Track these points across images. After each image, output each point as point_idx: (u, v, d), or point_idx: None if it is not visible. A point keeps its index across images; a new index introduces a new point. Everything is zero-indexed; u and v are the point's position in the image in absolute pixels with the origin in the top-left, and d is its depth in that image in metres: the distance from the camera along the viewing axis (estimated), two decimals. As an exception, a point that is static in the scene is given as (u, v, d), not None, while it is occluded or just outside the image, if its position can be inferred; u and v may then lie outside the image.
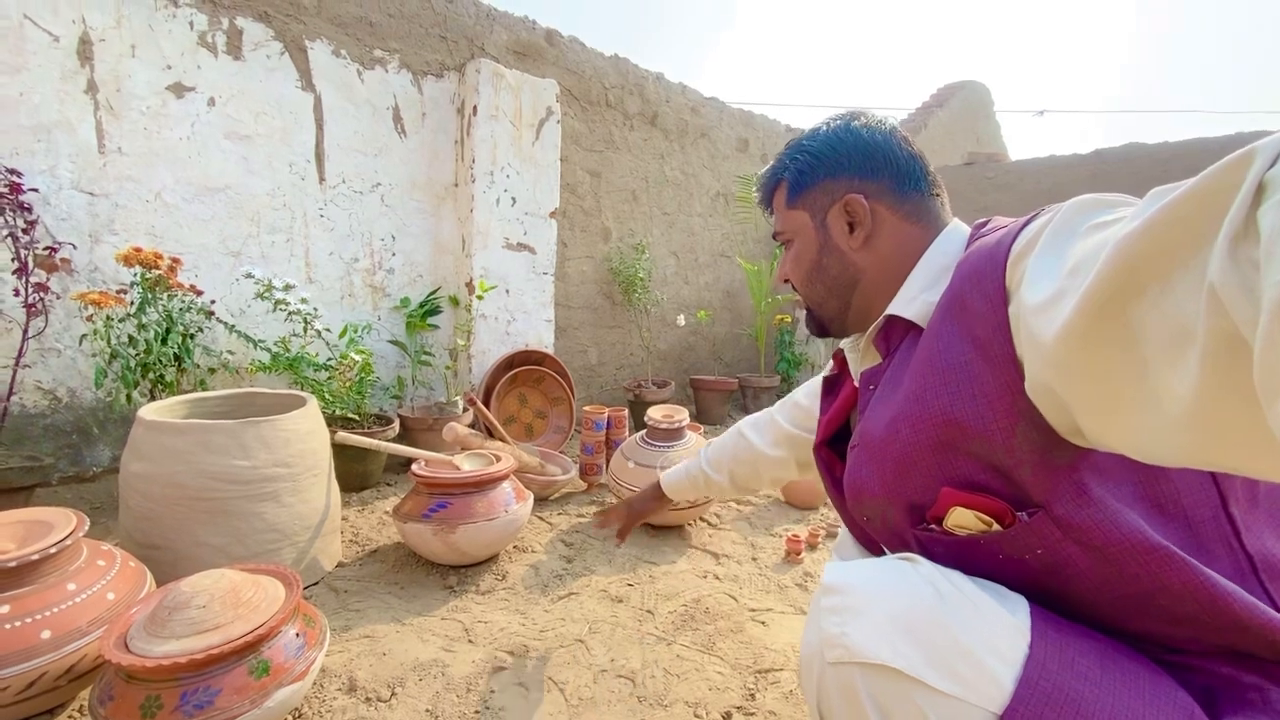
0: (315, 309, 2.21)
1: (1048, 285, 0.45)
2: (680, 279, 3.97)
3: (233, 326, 2.10)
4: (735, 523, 1.99)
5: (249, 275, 2.11)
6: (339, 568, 1.58)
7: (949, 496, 0.57)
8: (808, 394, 1.07)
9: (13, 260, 1.71)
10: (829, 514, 2.12)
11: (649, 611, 1.41)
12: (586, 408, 2.28)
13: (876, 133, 0.73)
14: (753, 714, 1.09)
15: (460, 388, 2.76)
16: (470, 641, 1.27)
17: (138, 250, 1.77)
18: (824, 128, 0.76)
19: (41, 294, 1.75)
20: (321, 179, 2.43)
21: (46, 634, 0.94)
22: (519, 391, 2.77)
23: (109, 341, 1.75)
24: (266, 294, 2.09)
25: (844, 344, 0.82)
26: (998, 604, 0.53)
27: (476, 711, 1.06)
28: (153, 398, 1.81)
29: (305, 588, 1.45)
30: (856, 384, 0.75)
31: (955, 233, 0.70)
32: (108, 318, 1.75)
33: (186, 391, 1.87)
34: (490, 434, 2.18)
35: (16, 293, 1.72)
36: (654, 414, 2.00)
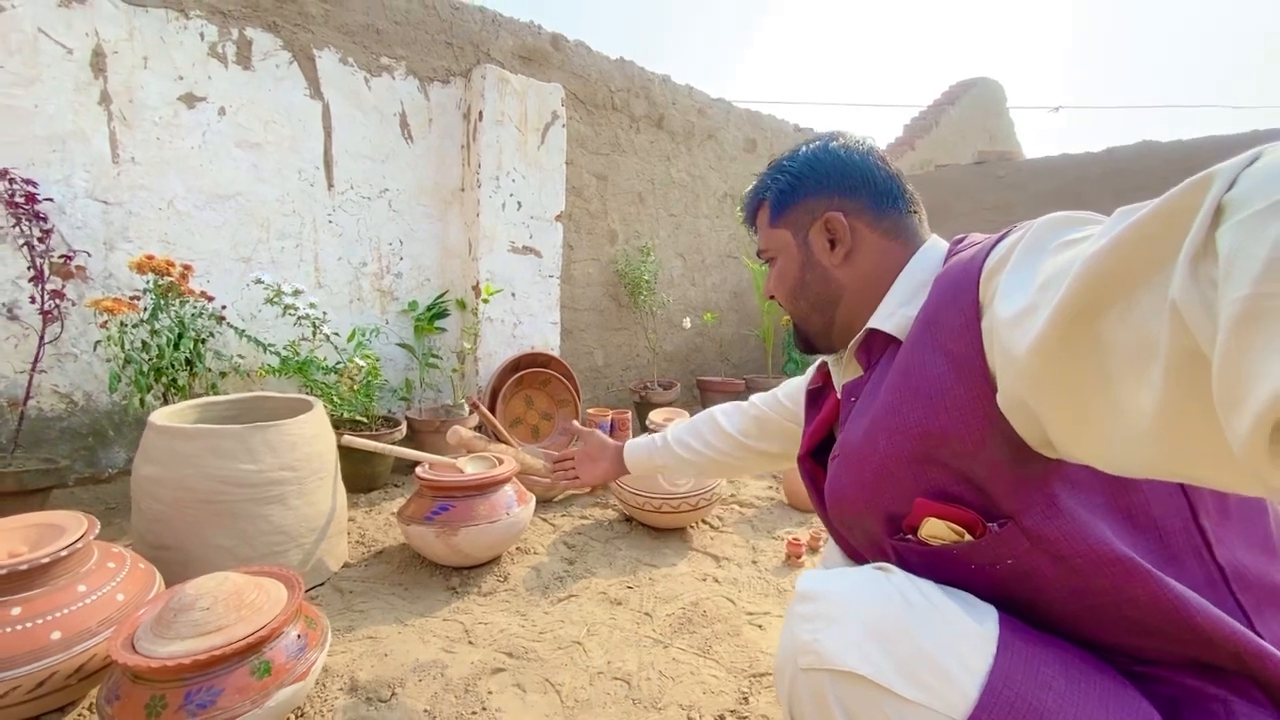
0: (324, 313, 2.25)
1: (1020, 299, 0.46)
2: (687, 280, 3.98)
3: (243, 331, 2.15)
4: (737, 525, 2.00)
5: (258, 281, 2.15)
6: (345, 568, 1.61)
7: (923, 507, 0.58)
8: (787, 393, 1.08)
9: (29, 268, 1.76)
10: (832, 517, 2.11)
11: (647, 614, 1.43)
12: (590, 410, 2.30)
13: (854, 153, 0.75)
14: (745, 717, 1.09)
15: (467, 390, 2.79)
16: (470, 643, 1.29)
17: (150, 258, 1.81)
18: (804, 148, 0.78)
19: (58, 301, 1.80)
20: (330, 185, 2.47)
21: (57, 635, 0.97)
22: (525, 394, 2.80)
23: (123, 347, 1.80)
24: (275, 299, 2.13)
25: (827, 357, 0.83)
26: (966, 614, 0.54)
27: (474, 712, 1.08)
28: (165, 401, 1.85)
29: (311, 588, 1.48)
30: (839, 396, 0.76)
31: (933, 249, 0.71)
32: (121, 324, 1.80)
33: (198, 395, 1.91)
34: (495, 437, 2.20)
35: (33, 300, 1.77)
36: (655, 418, 2.01)
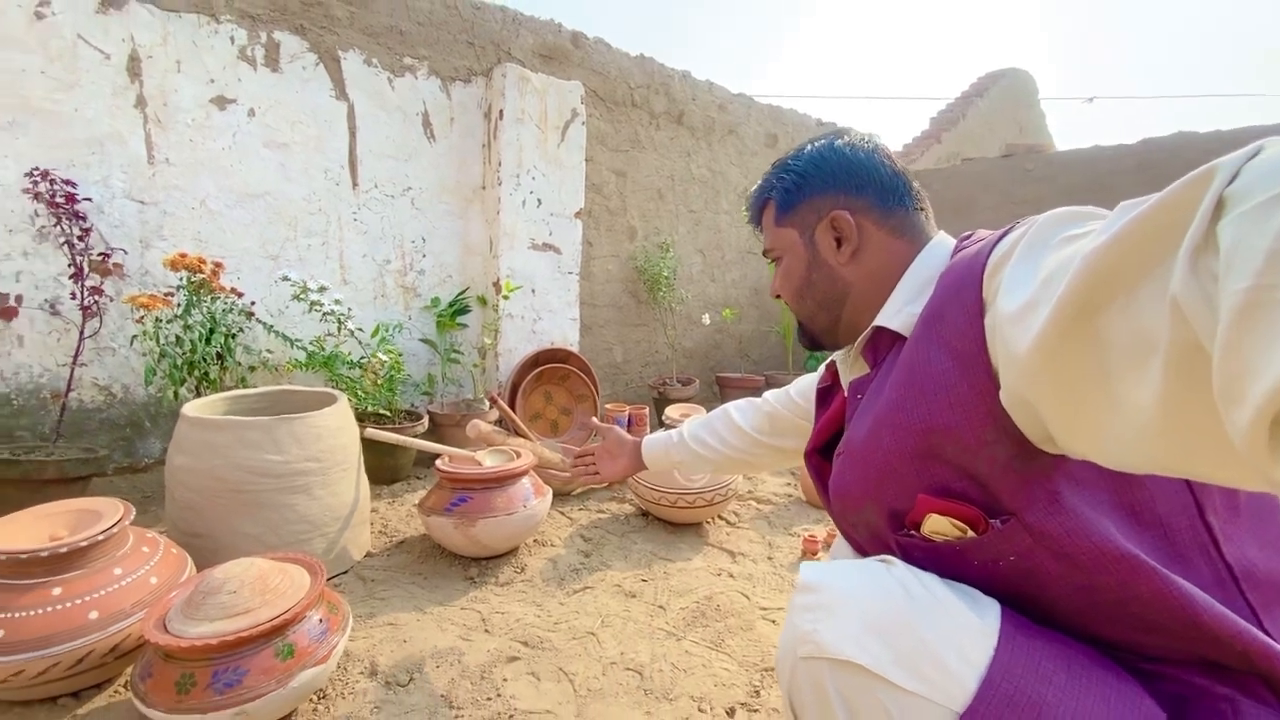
0: (349, 309, 2.30)
1: (1022, 295, 0.46)
2: (707, 276, 3.98)
3: (271, 326, 2.21)
4: (754, 521, 2.00)
5: (286, 278, 2.21)
6: (368, 557, 1.65)
7: (925, 503, 0.58)
8: (800, 390, 1.08)
9: (69, 266, 1.83)
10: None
11: (661, 607, 1.44)
12: (608, 406, 2.32)
13: (860, 150, 0.75)
14: (756, 710, 1.10)
15: (488, 385, 2.83)
16: (487, 631, 1.32)
17: (183, 255, 1.87)
18: (809, 147, 0.78)
19: (96, 297, 1.87)
20: (355, 184, 2.52)
21: (94, 615, 1.01)
22: (544, 389, 2.83)
23: (158, 341, 1.86)
24: (302, 295, 2.19)
25: (835, 355, 0.84)
26: (967, 607, 0.54)
27: (489, 698, 1.10)
28: (198, 394, 1.92)
29: (335, 576, 1.52)
30: (846, 394, 0.77)
31: (939, 246, 0.71)
32: (156, 319, 1.87)
33: (229, 388, 1.97)
34: (515, 431, 2.23)
35: (74, 296, 1.85)
36: (672, 413, 2.02)
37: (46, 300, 1.95)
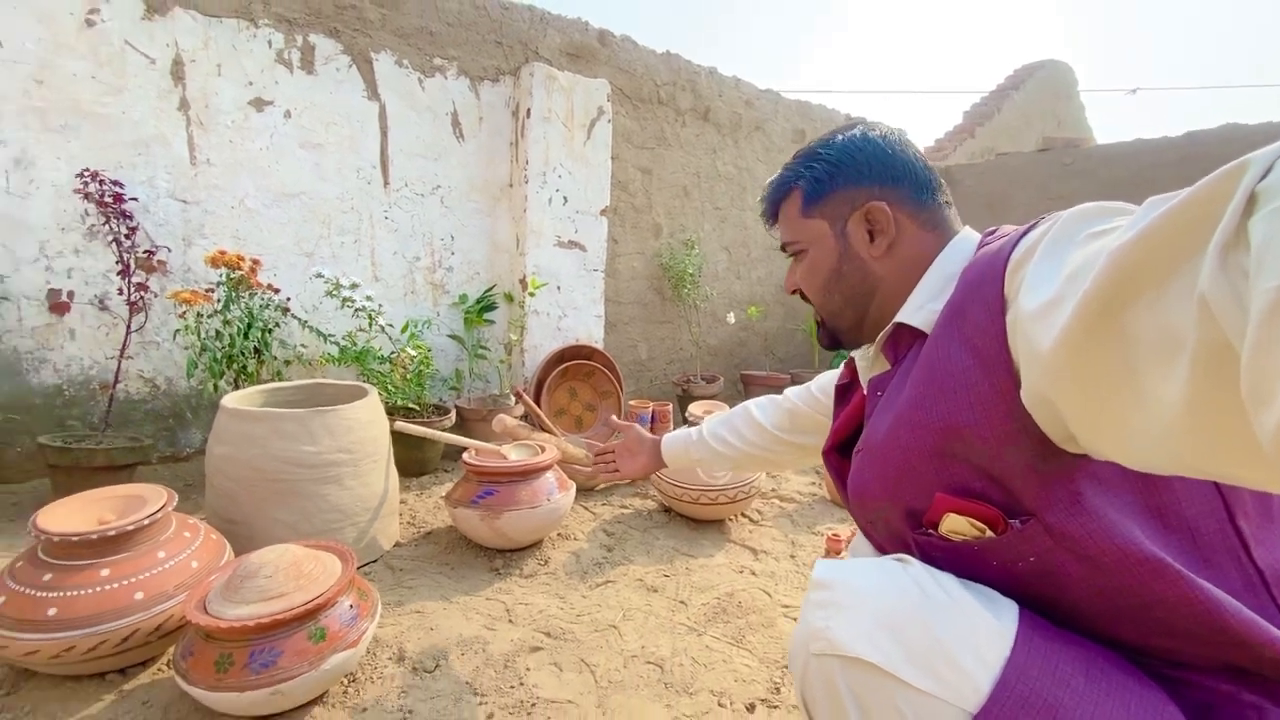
0: (380, 305, 2.36)
1: (1046, 292, 0.45)
2: (732, 274, 3.96)
3: (305, 322, 2.27)
4: (777, 520, 1.99)
5: (319, 275, 2.27)
6: (397, 547, 1.69)
7: (943, 503, 0.58)
8: (820, 386, 1.08)
9: (117, 263, 1.91)
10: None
11: (682, 602, 1.45)
12: (631, 402, 2.33)
13: (894, 141, 0.74)
14: (776, 707, 1.11)
15: (514, 380, 2.86)
16: (511, 621, 1.34)
17: (223, 253, 1.94)
18: (839, 136, 0.76)
19: (142, 293, 1.95)
20: (386, 183, 2.58)
21: (140, 595, 1.06)
22: (569, 385, 2.85)
23: (199, 335, 1.93)
24: (335, 292, 2.25)
25: (855, 352, 0.82)
26: (984, 608, 0.54)
27: (512, 686, 1.13)
28: (236, 386, 1.99)
29: (364, 564, 1.57)
30: (865, 391, 0.76)
31: (964, 241, 0.70)
32: (198, 314, 1.94)
33: (265, 381, 2.04)
34: (539, 426, 2.26)
35: (120, 291, 1.93)
36: (695, 410, 2.02)
37: (96, 296, 2.04)
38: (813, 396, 1.08)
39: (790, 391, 1.14)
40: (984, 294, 0.55)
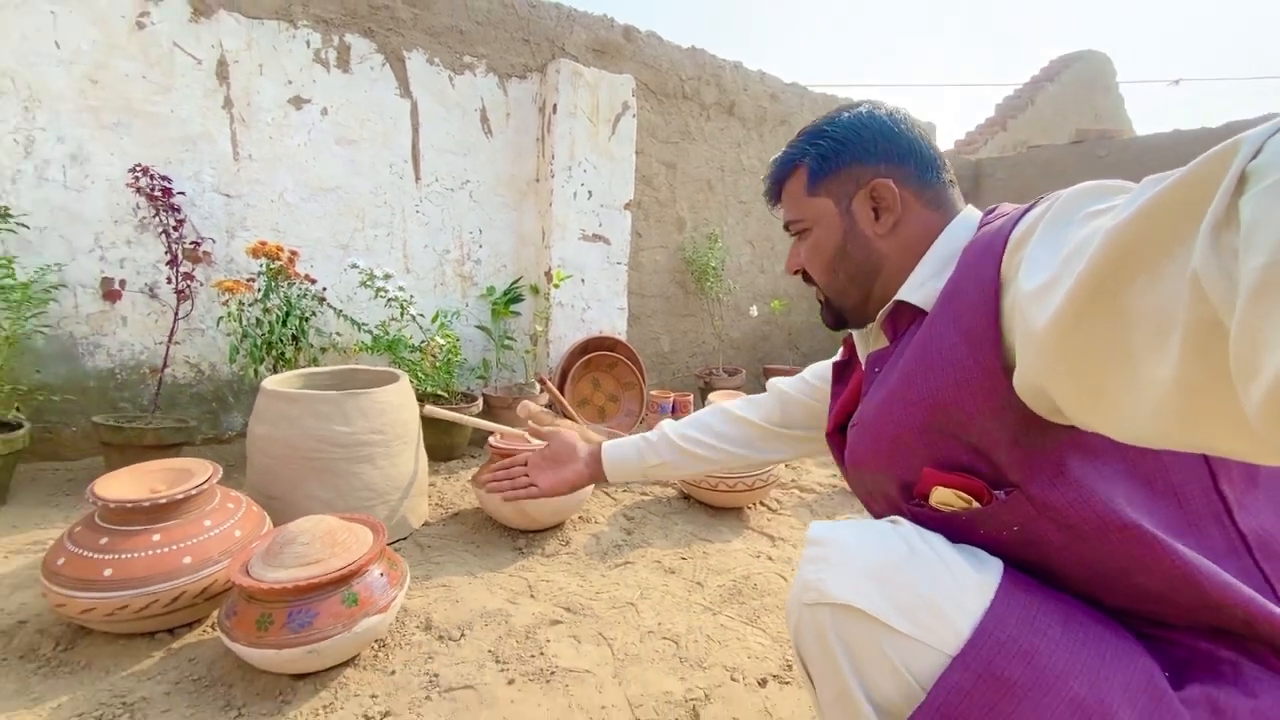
0: (411, 296, 2.44)
1: (1044, 272, 0.45)
2: (756, 268, 3.97)
3: (340, 311, 2.36)
4: (796, 509, 2.01)
5: (354, 266, 2.35)
6: (425, 526, 1.76)
7: (930, 476, 0.60)
8: (814, 373, 1.04)
9: (165, 253, 2.02)
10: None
11: (699, 583, 1.48)
12: (653, 392, 2.37)
13: (899, 119, 0.74)
14: (788, 683, 1.13)
15: (539, 370, 2.92)
16: (532, 596, 1.39)
17: (263, 244, 2.03)
18: (845, 114, 0.76)
19: (188, 282, 2.05)
20: (417, 178, 2.66)
21: (188, 560, 1.14)
22: (593, 376, 2.90)
23: (240, 323, 2.03)
24: (369, 282, 2.33)
25: (855, 330, 0.82)
26: (969, 564, 0.56)
27: (533, 655, 1.17)
28: (275, 372, 2.08)
29: (395, 541, 1.64)
30: (864, 368, 0.77)
31: (966, 219, 0.70)
32: (239, 302, 2.03)
33: (302, 367, 2.13)
34: (562, 413, 2.31)
35: (169, 281, 2.03)
36: (714, 398, 2.05)
37: (146, 284, 2.15)
38: (806, 383, 1.04)
39: (776, 381, 1.09)
40: (980, 273, 0.55)
